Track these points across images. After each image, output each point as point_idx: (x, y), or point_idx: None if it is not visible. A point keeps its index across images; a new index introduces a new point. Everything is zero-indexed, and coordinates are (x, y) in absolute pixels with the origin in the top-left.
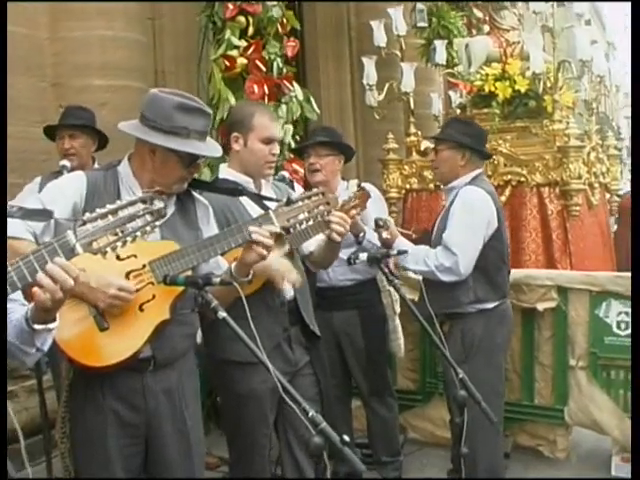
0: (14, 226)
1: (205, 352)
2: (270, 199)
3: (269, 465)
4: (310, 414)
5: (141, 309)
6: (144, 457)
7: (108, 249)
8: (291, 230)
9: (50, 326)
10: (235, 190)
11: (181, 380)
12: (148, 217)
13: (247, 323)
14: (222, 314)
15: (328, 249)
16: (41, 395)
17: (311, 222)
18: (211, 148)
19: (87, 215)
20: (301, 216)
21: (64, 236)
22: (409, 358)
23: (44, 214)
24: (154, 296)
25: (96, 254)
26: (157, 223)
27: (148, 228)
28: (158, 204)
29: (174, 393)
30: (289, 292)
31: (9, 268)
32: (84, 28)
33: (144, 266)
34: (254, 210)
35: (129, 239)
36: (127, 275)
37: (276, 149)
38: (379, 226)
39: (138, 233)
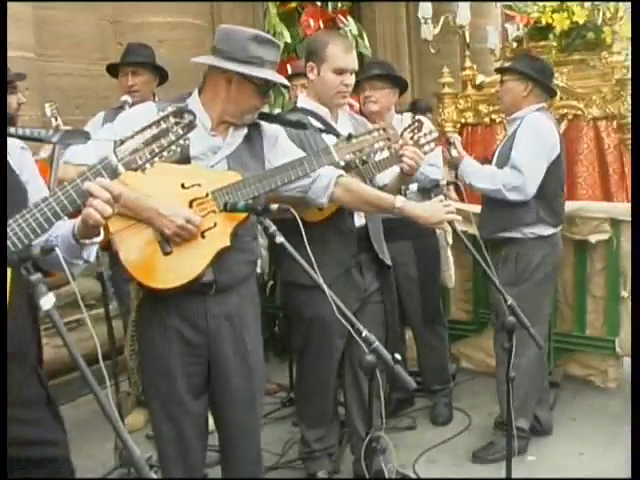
0: (87, 154)
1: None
2: (331, 132)
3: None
4: (364, 334)
5: (203, 236)
6: (206, 377)
7: (147, 165)
8: (354, 163)
9: (95, 240)
10: (298, 123)
11: (242, 305)
12: (180, 130)
13: (318, 248)
14: (280, 239)
15: (401, 182)
16: (108, 321)
17: (381, 155)
18: (280, 77)
19: (124, 135)
20: (361, 151)
21: (106, 157)
22: (463, 289)
23: (81, 134)
24: (215, 224)
25: (136, 171)
26: (189, 135)
27: (181, 141)
28: (188, 117)
29: (235, 317)
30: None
31: (59, 193)
32: None
33: (207, 195)
34: (329, 138)
35: (165, 154)
36: (191, 203)
37: (348, 79)
38: (450, 143)
39: (173, 147)
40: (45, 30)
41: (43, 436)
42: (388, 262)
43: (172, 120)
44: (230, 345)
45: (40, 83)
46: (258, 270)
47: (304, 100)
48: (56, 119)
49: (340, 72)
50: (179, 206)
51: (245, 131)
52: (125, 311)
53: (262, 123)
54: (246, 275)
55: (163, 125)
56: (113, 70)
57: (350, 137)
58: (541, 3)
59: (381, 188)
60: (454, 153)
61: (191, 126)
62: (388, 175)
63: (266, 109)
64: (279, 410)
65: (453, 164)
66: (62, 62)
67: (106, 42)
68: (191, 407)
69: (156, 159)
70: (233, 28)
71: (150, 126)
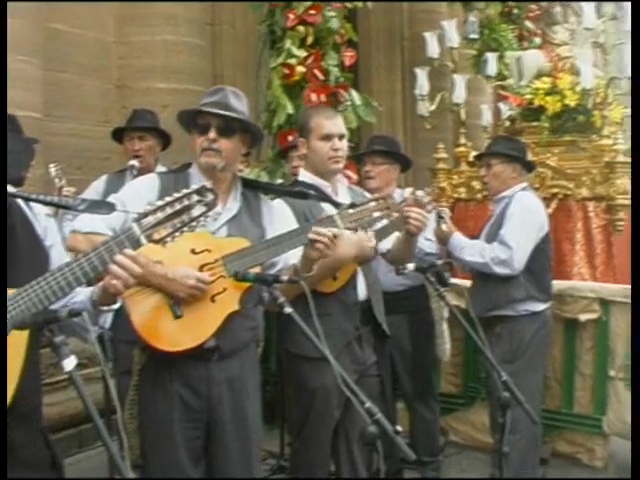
0: (96, 222)
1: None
2: (334, 202)
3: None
4: (366, 405)
5: (213, 300)
6: (204, 442)
7: (168, 239)
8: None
9: (113, 307)
10: (301, 193)
11: (243, 371)
12: (202, 208)
13: (323, 320)
14: (288, 310)
15: (405, 244)
16: (105, 382)
17: (381, 223)
18: (209, 108)
19: (148, 208)
20: (363, 219)
21: (130, 228)
22: (453, 363)
23: (106, 206)
24: (225, 289)
25: (157, 244)
26: (209, 214)
27: (202, 218)
28: (210, 196)
29: (236, 383)
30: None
31: (82, 259)
32: (149, 33)
33: (217, 260)
34: (332, 211)
35: (186, 229)
36: (201, 268)
37: (337, 144)
38: (441, 217)
39: (194, 223)
40: (53, 91)
41: None
42: (388, 332)
43: (195, 197)
44: (230, 411)
45: (44, 143)
46: None
47: (304, 174)
48: (60, 180)
49: (327, 138)
50: (187, 269)
51: (242, 197)
52: (119, 372)
53: (261, 194)
54: (248, 341)
55: (186, 202)
56: (117, 134)
57: (353, 205)
58: (534, 85)
59: (385, 254)
60: (444, 227)
61: (212, 205)
62: (389, 242)
63: (265, 178)
64: (269, 477)
65: (443, 238)
66: (67, 123)
67: (111, 105)
68: (191, 473)
69: (177, 234)
70: None
71: (173, 202)
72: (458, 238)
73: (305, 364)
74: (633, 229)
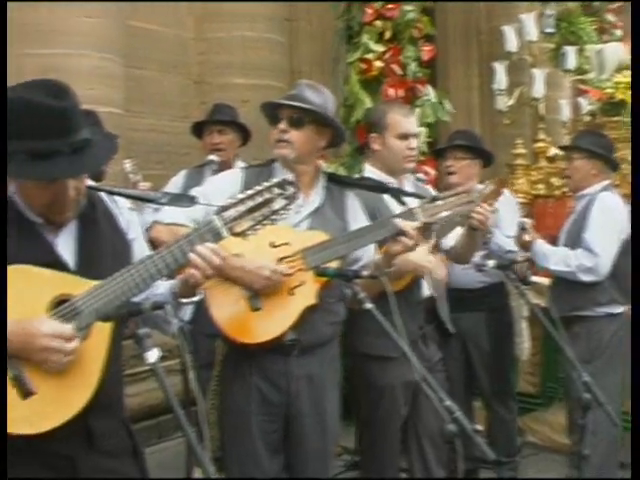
0: (177, 214)
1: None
2: (415, 195)
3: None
4: (446, 403)
5: (291, 293)
6: (282, 435)
7: (249, 232)
8: (433, 226)
9: (194, 299)
10: (382, 187)
11: (323, 367)
12: (283, 201)
13: (389, 318)
14: (369, 305)
15: (469, 240)
16: (185, 374)
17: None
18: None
19: (229, 201)
20: (444, 213)
21: (211, 221)
22: (531, 362)
23: (188, 199)
24: (303, 282)
25: (238, 236)
26: (291, 206)
27: (283, 211)
28: (292, 189)
29: (315, 378)
30: (431, 288)
31: (164, 251)
32: (227, 29)
33: (296, 253)
34: (398, 209)
35: (267, 222)
36: (279, 261)
37: (413, 143)
38: (523, 229)
39: (275, 216)
40: (133, 88)
41: None
42: (452, 330)
43: (276, 190)
44: (309, 406)
45: (125, 138)
46: None
47: (371, 170)
48: (135, 174)
49: (404, 137)
50: (263, 260)
51: (325, 190)
52: (199, 365)
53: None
54: (329, 336)
55: (267, 195)
56: (197, 129)
57: (434, 199)
58: (615, 79)
59: (448, 251)
60: (527, 237)
61: (294, 198)
62: (452, 238)
63: (343, 174)
64: (343, 473)
65: (525, 247)
66: (147, 119)
67: (190, 101)
68: (268, 465)
69: (258, 227)
70: None
71: (254, 195)
72: (540, 245)
73: (372, 363)
74: (633, 228)
